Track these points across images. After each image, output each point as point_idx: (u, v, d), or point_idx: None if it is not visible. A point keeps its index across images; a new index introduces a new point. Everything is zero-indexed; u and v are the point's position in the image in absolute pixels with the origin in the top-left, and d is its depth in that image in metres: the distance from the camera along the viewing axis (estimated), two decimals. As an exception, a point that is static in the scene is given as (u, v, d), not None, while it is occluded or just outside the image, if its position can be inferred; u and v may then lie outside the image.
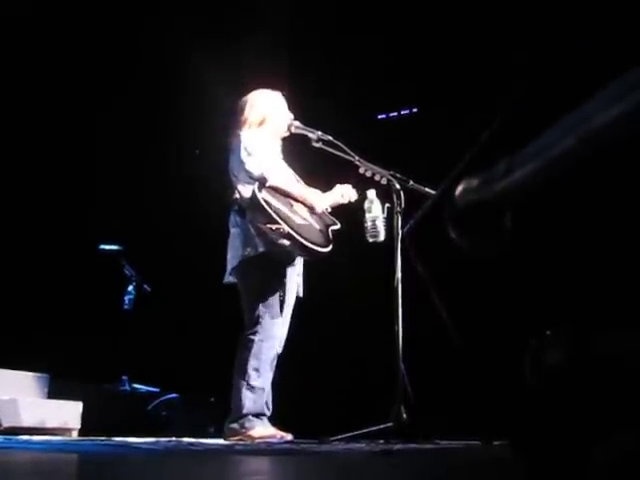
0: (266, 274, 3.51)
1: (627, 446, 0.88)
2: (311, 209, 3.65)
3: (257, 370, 3.40)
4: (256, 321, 3.45)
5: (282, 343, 3.58)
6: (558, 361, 0.96)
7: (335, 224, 3.72)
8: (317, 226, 3.61)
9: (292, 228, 3.38)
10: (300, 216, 3.52)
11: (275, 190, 3.47)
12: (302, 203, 3.61)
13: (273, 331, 3.48)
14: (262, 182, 3.43)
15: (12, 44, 5.19)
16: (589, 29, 0.99)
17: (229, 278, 3.64)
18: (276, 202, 3.42)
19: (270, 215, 3.34)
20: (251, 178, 3.46)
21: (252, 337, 3.43)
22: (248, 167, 3.48)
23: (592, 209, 0.94)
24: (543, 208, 0.96)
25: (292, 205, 3.54)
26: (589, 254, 0.96)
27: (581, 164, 0.87)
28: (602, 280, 0.95)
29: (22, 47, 5.28)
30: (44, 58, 5.40)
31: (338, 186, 3.81)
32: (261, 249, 3.45)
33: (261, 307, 3.46)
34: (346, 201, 3.81)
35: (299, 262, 3.68)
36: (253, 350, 3.41)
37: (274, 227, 3.34)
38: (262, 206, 3.35)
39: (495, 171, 0.95)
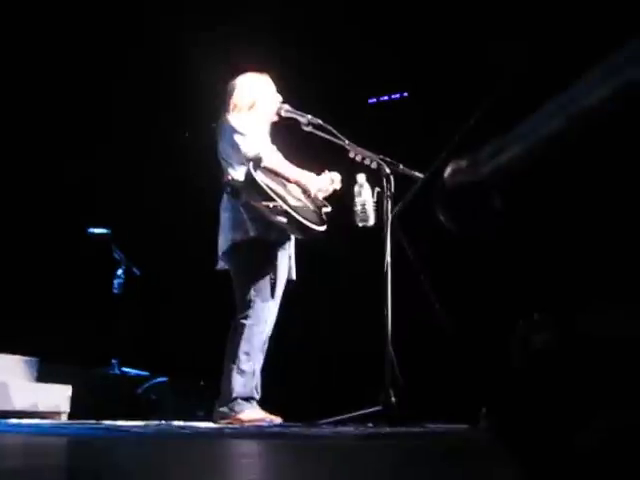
0: (256, 258, 3.50)
1: (613, 426, 0.89)
2: (304, 191, 3.64)
3: (248, 354, 3.40)
4: (247, 305, 3.45)
5: (271, 326, 3.57)
6: (545, 344, 0.97)
7: (326, 206, 3.73)
8: (311, 206, 3.62)
9: (288, 206, 3.38)
10: (294, 196, 3.53)
11: (269, 171, 3.46)
12: (296, 184, 3.61)
13: (264, 315, 3.48)
14: (257, 162, 3.41)
15: (13, 37, 5.15)
16: (575, 14, 0.99)
17: (221, 264, 3.63)
18: (270, 182, 3.41)
19: (266, 192, 3.33)
20: (246, 159, 3.45)
21: (243, 321, 3.43)
22: (243, 148, 3.46)
23: (580, 191, 0.94)
24: (531, 189, 0.96)
25: (286, 185, 3.53)
26: (577, 236, 0.96)
27: (569, 145, 0.87)
28: (589, 262, 0.95)
29: (24, 42, 5.23)
30: (44, 49, 5.36)
31: (327, 172, 3.80)
32: (252, 233, 3.45)
33: (252, 291, 3.46)
34: (335, 187, 3.81)
35: (290, 245, 3.67)
36: (245, 334, 3.41)
37: (271, 205, 3.33)
38: (258, 184, 3.33)
39: (484, 152, 0.95)
